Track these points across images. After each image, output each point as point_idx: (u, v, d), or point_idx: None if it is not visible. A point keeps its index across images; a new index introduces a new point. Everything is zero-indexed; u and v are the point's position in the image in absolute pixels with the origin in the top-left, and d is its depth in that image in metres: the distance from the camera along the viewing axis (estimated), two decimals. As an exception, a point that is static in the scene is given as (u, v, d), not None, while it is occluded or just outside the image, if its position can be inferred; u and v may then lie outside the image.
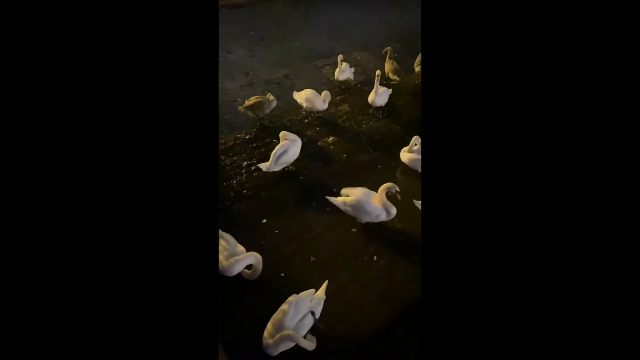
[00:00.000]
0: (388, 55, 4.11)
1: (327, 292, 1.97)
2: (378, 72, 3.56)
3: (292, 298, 1.84)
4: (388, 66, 4.01)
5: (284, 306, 1.82)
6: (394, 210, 2.37)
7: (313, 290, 1.93)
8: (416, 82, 4.22)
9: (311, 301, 1.87)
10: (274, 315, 1.81)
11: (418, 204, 2.46)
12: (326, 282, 2.01)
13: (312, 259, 2.31)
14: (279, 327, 1.74)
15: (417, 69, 4.05)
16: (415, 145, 2.86)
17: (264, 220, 2.55)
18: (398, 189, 2.31)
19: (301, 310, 1.81)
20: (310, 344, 1.76)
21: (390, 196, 2.34)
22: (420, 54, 4.17)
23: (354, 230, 2.50)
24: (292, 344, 1.76)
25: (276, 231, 2.48)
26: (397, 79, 3.96)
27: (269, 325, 1.78)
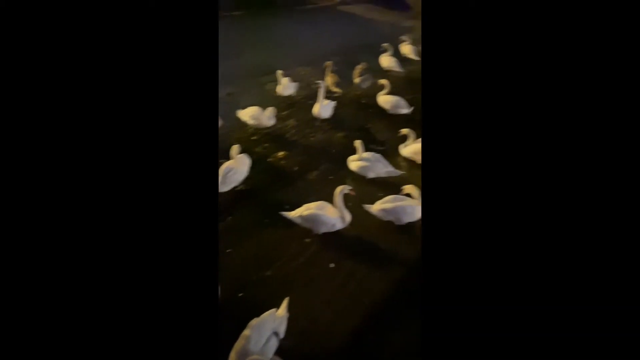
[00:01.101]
0: (329, 69, 4.25)
1: (289, 309, 1.91)
2: (319, 82, 3.66)
3: (254, 322, 1.76)
4: (329, 79, 4.14)
5: (245, 332, 1.73)
6: (349, 217, 2.41)
7: (274, 309, 1.86)
8: (357, 92, 4.40)
9: (274, 321, 1.80)
10: (236, 344, 1.71)
11: (367, 207, 2.55)
12: (287, 299, 1.96)
13: (268, 273, 2.26)
14: (243, 355, 1.65)
15: (357, 80, 4.25)
16: (364, 152, 2.97)
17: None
18: (351, 187, 2.43)
19: (264, 333, 1.74)
20: None
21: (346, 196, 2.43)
22: (358, 66, 4.38)
23: (307, 240, 2.49)
24: None
25: (227, 250, 2.39)
26: (340, 91, 4.11)
27: (232, 355, 1.68)
